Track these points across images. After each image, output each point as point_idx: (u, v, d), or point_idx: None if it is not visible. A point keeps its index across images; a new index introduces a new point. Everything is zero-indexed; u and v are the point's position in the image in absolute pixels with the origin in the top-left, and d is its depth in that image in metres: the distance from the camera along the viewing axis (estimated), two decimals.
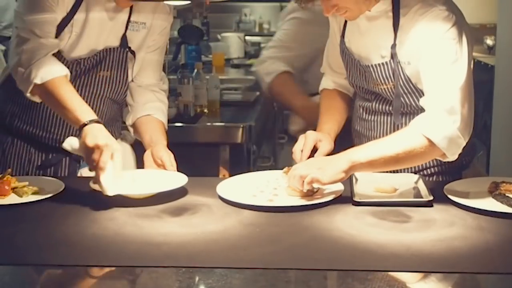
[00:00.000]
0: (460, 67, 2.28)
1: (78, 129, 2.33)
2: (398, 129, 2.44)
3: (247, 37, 6.14)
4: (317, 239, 1.94)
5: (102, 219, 2.12)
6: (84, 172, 2.65)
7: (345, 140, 2.58)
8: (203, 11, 5.68)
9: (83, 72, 2.62)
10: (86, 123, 2.31)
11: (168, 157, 2.50)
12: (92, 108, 2.44)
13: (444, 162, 2.35)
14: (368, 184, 2.33)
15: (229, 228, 2.03)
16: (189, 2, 2.52)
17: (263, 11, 8.53)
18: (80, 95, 2.46)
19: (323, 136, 2.47)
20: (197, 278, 1.73)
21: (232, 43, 5.76)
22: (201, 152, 3.56)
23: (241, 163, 3.60)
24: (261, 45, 6.09)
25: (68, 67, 2.51)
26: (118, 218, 2.12)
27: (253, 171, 2.66)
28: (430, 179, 2.54)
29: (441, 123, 2.22)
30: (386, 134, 2.50)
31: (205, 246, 1.90)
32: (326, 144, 2.44)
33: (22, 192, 2.30)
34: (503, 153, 3.27)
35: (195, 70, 3.79)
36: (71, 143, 2.33)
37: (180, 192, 2.32)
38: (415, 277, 1.74)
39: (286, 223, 2.07)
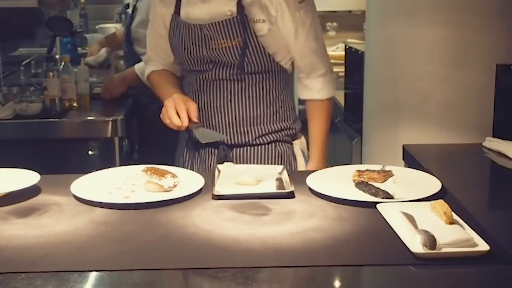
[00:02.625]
0: (320, 34, 2.73)
1: None
2: (241, 91, 2.65)
3: None
4: (169, 236, 1.85)
5: None
6: None
7: None
8: (67, 3, 5.50)
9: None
10: None
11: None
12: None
13: (279, 129, 2.72)
14: (231, 177, 2.26)
15: (79, 228, 1.92)
16: None
17: None
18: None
19: (186, 97, 2.60)
20: (36, 284, 1.61)
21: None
22: (70, 148, 3.42)
23: (112, 158, 3.48)
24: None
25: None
26: None
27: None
28: (269, 146, 2.71)
29: (325, 82, 2.75)
30: (227, 103, 2.66)
31: (50, 249, 1.78)
32: (193, 104, 2.54)
33: None
34: (376, 141, 3.27)
35: (62, 63, 3.63)
36: None
37: (33, 191, 2.19)
38: (268, 272, 1.67)
39: (140, 220, 1.97)
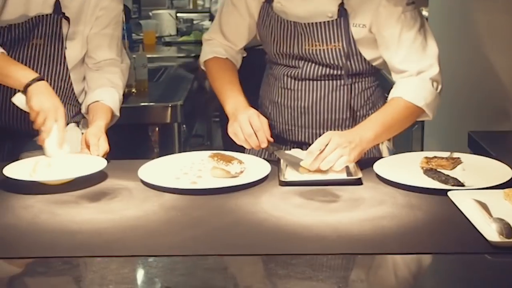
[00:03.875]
0: (431, 34, 2.41)
1: (23, 92, 2.29)
2: (330, 94, 2.46)
3: (179, 14, 6.00)
4: (240, 222, 1.85)
5: (16, 207, 2.00)
6: (25, 156, 2.51)
7: None
8: None
9: (16, 40, 2.52)
10: (29, 83, 2.27)
11: (94, 139, 2.36)
12: None
13: None
14: (296, 162, 2.25)
15: (149, 213, 1.93)
16: None
17: None
18: None
19: (254, 111, 2.35)
20: (111, 268, 1.62)
21: (163, 20, 5.62)
22: (130, 134, 3.44)
23: (171, 143, 3.50)
24: (193, 22, 5.98)
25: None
26: (33, 206, 2.00)
27: (186, 151, 2.56)
28: None
29: (427, 90, 2.35)
30: (316, 102, 2.49)
31: (122, 233, 1.80)
32: (261, 117, 2.33)
33: None
34: (437, 127, 3.23)
35: None
36: (20, 99, 2.30)
37: (100, 177, 2.21)
38: (341, 259, 1.66)
39: (209, 206, 1.97)
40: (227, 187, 2.08)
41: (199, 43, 5.28)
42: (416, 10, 2.40)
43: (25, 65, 2.51)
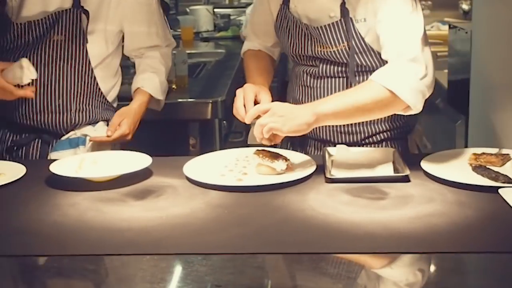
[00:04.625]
0: (418, 17, 2.24)
1: None
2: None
3: (216, 10, 5.99)
4: (288, 220, 1.84)
5: (63, 204, 2.01)
6: (54, 155, 2.56)
7: None
8: None
9: (36, 37, 2.54)
10: None
11: (116, 119, 2.49)
12: (51, 77, 2.53)
13: (392, 127, 2.42)
14: (343, 160, 2.23)
15: (195, 210, 1.93)
16: None
17: None
18: (36, 62, 2.51)
19: (260, 87, 2.33)
20: (161, 266, 1.62)
21: (201, 16, 5.62)
22: (170, 130, 3.44)
23: (211, 139, 3.49)
24: (230, 17, 5.96)
25: (20, 33, 2.51)
26: (80, 203, 2.01)
27: (225, 147, 2.56)
28: (379, 146, 2.46)
29: (403, 74, 2.15)
30: None
31: (170, 231, 1.80)
32: (265, 95, 2.29)
33: None
34: (482, 123, 3.19)
35: None
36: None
37: (145, 174, 2.21)
38: (392, 258, 1.64)
39: (256, 203, 1.96)
40: (273, 184, 2.07)
41: (236, 38, 5.33)
42: None
43: (47, 62, 2.56)
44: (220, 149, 3.47)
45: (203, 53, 4.87)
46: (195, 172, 2.17)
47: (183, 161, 2.27)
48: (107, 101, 2.71)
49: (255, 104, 2.23)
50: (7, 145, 2.65)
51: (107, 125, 2.68)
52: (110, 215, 1.92)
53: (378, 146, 2.46)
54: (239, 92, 2.30)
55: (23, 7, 2.53)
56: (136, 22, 2.72)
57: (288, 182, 2.09)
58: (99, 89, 2.67)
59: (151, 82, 2.74)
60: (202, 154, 2.40)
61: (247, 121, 2.19)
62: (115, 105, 2.78)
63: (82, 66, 2.61)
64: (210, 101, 3.39)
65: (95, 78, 2.65)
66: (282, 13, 2.50)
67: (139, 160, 2.24)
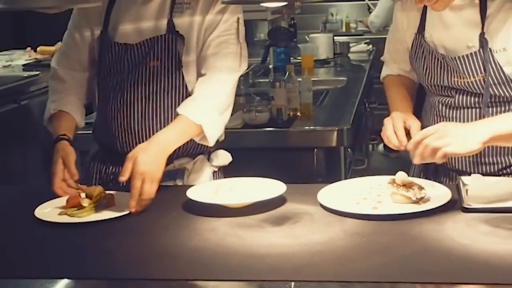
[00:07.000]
0: None
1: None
2: None
3: (334, 38, 6.02)
4: (428, 250, 1.84)
5: (202, 230, 2.07)
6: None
7: None
8: (293, 12, 5.59)
9: (133, 62, 2.53)
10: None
11: (128, 163, 2.25)
12: (148, 104, 2.51)
13: None
14: (479, 190, 2.21)
15: (333, 238, 1.95)
16: (285, 3, 2.41)
17: (349, 10, 8.40)
18: (133, 88, 2.52)
19: (407, 114, 2.37)
20: None
21: (321, 43, 5.65)
22: (296, 157, 3.48)
23: (336, 167, 3.51)
24: (350, 45, 5.99)
25: (118, 55, 2.55)
26: (218, 228, 2.07)
27: (349, 175, 2.57)
28: None
29: None
30: None
31: (310, 258, 1.83)
32: (414, 121, 2.34)
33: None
34: None
35: (287, 73, 3.71)
36: None
37: (279, 200, 2.25)
38: None
39: (393, 232, 1.97)
40: (410, 213, 2.07)
41: (355, 66, 5.36)
42: None
43: (144, 88, 2.51)
44: (345, 177, 3.49)
45: (324, 81, 4.91)
46: (329, 200, 2.20)
47: (316, 189, 2.30)
48: None
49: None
50: (108, 177, 2.65)
51: (208, 159, 2.65)
52: (249, 241, 1.96)
53: None
54: (387, 121, 2.34)
55: (118, 27, 2.54)
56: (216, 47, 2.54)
57: (424, 211, 2.08)
58: None
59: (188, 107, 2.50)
60: (328, 181, 2.43)
61: (410, 148, 2.20)
62: None
63: (179, 92, 2.53)
64: (336, 128, 3.41)
65: None
66: (417, 42, 2.50)
67: (273, 187, 2.29)
